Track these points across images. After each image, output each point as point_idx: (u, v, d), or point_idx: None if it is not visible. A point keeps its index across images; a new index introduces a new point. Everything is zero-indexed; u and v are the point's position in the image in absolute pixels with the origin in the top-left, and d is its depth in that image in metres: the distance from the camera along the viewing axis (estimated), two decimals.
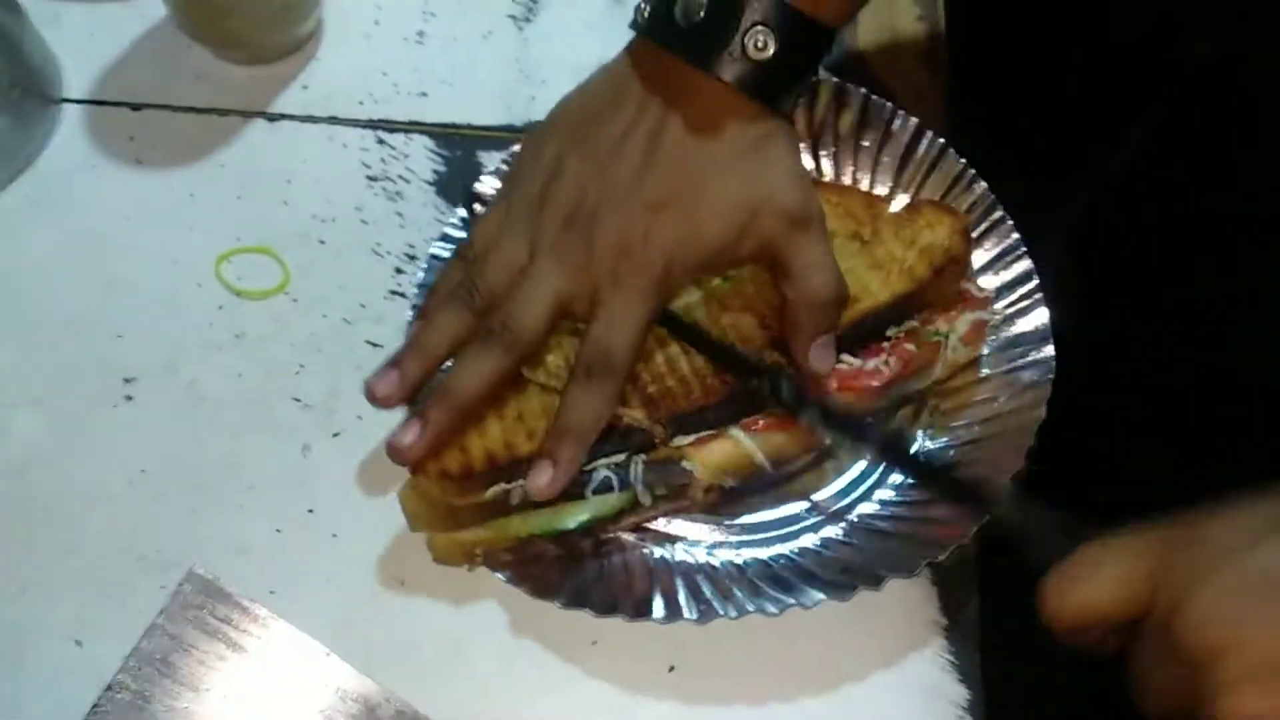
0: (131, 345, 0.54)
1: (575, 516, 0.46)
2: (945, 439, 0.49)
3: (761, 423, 0.47)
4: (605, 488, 0.46)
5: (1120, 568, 0.34)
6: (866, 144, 0.55)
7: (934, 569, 0.48)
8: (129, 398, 0.53)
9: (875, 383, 0.48)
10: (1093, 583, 0.34)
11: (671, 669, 0.47)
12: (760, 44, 0.44)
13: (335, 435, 0.52)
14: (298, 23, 0.60)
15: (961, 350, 0.50)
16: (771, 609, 0.45)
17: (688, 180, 0.46)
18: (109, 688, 0.43)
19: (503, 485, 0.46)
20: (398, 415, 0.47)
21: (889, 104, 0.54)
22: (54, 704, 0.46)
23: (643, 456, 0.46)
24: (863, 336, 0.48)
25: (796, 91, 0.48)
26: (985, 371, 0.50)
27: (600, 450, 0.46)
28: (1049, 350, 0.49)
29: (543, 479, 0.44)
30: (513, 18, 0.63)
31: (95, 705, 0.43)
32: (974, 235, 0.52)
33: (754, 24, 0.44)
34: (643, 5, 0.48)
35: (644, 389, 0.47)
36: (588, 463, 0.46)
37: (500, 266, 0.47)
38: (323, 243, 0.56)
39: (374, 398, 0.46)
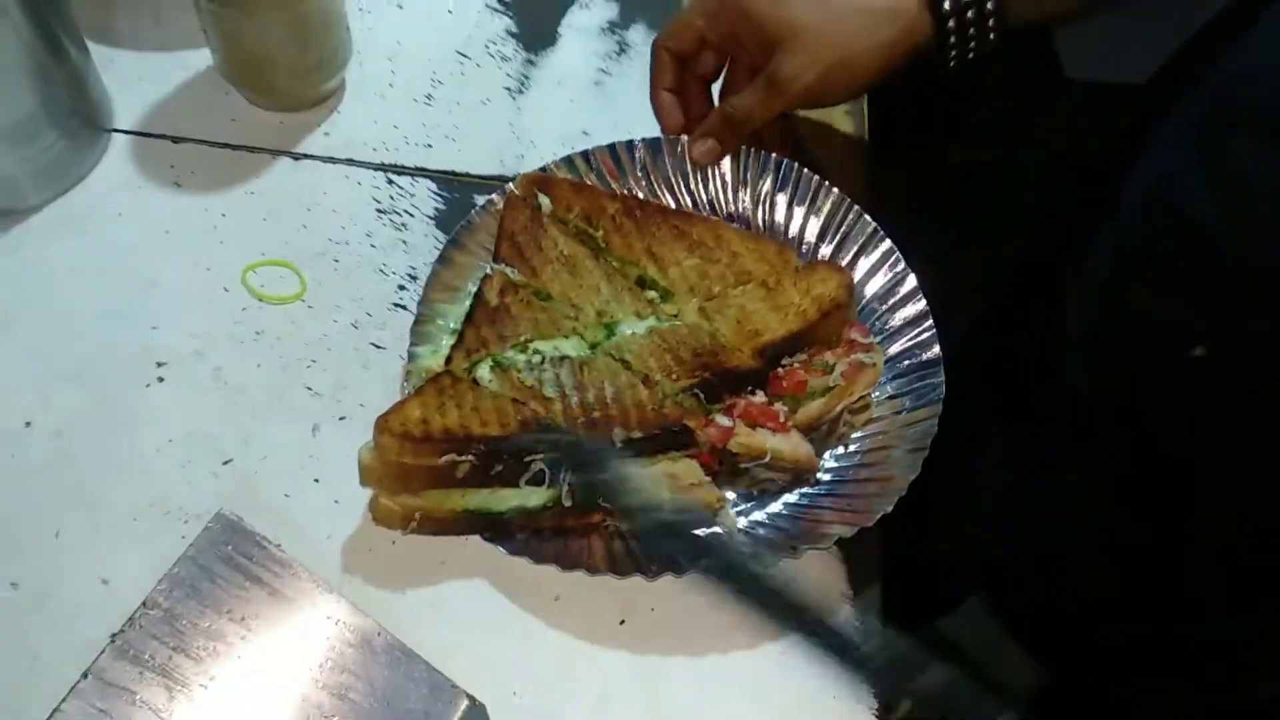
0: (164, 335, 0.62)
1: (506, 501, 0.55)
2: (855, 447, 0.59)
3: (681, 480, 0.56)
4: (538, 481, 0.55)
5: None
6: (800, 208, 0.65)
7: (842, 548, 0.57)
8: (161, 379, 0.60)
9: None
10: None
11: (622, 623, 0.55)
12: None
13: (341, 419, 0.60)
14: (324, 80, 0.71)
15: (840, 382, 0.59)
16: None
17: None
18: (144, 604, 0.50)
19: (454, 456, 0.54)
20: None
21: (819, 178, 0.65)
22: (79, 632, 0.52)
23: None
24: (764, 365, 0.58)
25: None
26: (890, 391, 0.60)
27: (541, 443, 0.55)
28: (941, 376, 0.60)
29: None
30: (508, 89, 0.74)
31: (130, 619, 0.49)
32: (882, 283, 0.63)
33: None
34: None
35: (589, 413, 0.56)
36: (526, 456, 0.54)
37: None
38: (337, 261, 0.66)
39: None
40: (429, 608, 0.55)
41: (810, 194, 0.65)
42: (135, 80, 0.71)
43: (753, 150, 0.65)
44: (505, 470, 0.55)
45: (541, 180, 0.63)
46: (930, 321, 0.62)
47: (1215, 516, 0.58)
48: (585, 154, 0.66)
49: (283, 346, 0.62)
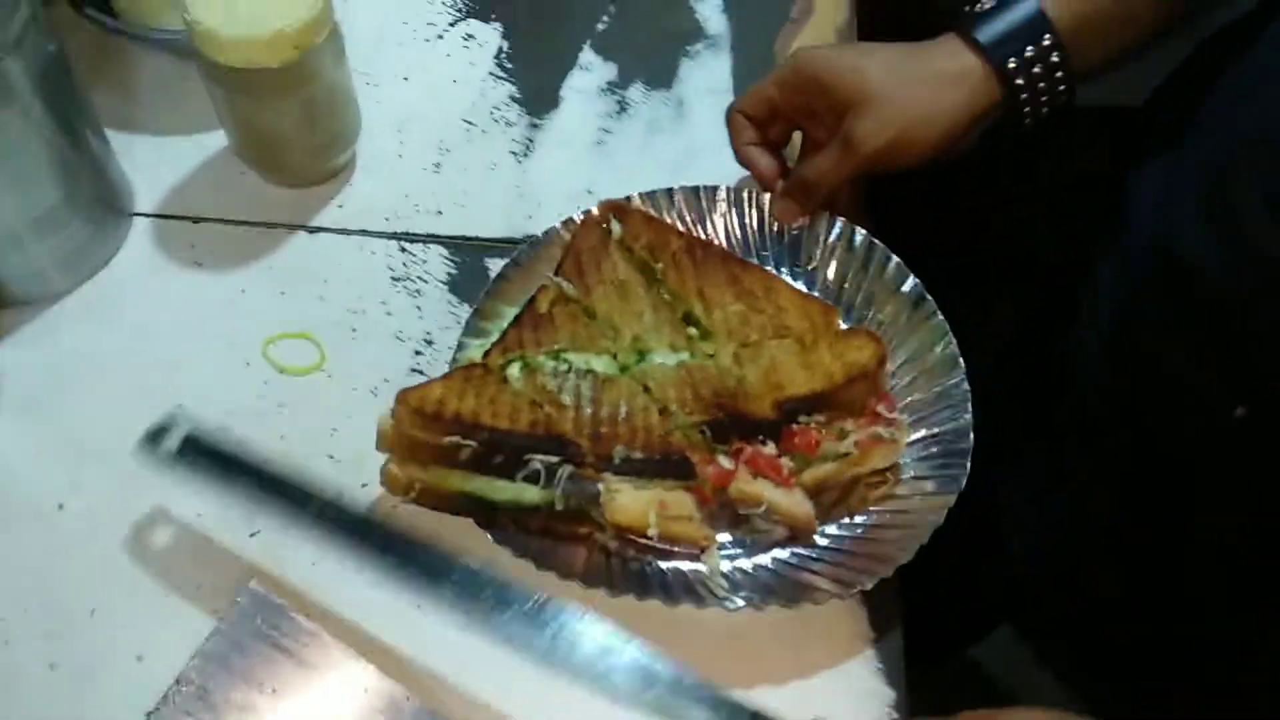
0: (190, 411, 0.63)
1: (503, 493, 0.57)
2: (862, 519, 0.59)
3: (669, 510, 0.57)
4: (534, 479, 0.57)
5: None
6: (859, 273, 0.66)
7: (864, 593, 0.57)
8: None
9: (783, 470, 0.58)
10: None
11: None
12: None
13: (364, 486, 0.61)
14: (335, 156, 0.73)
15: (854, 451, 0.58)
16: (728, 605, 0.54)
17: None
18: (177, 681, 0.51)
19: (458, 439, 0.56)
20: None
21: (881, 244, 0.65)
22: (117, 708, 0.54)
23: (571, 468, 0.57)
24: (780, 418, 0.59)
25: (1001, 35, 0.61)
26: (913, 472, 0.59)
27: (540, 447, 0.57)
28: (965, 465, 0.57)
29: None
30: (514, 153, 0.76)
31: (165, 695, 0.51)
32: (930, 360, 0.62)
33: None
34: None
35: (597, 426, 0.57)
36: (526, 453, 0.56)
37: None
38: (354, 330, 0.67)
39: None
40: (455, 671, 0.56)
41: (871, 260, 0.66)
42: (154, 164, 0.74)
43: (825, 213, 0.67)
44: (504, 463, 0.57)
45: (618, 208, 0.66)
46: (969, 408, 0.59)
47: (1215, 516, 0.58)
48: (669, 191, 0.68)
49: (304, 417, 0.64)
